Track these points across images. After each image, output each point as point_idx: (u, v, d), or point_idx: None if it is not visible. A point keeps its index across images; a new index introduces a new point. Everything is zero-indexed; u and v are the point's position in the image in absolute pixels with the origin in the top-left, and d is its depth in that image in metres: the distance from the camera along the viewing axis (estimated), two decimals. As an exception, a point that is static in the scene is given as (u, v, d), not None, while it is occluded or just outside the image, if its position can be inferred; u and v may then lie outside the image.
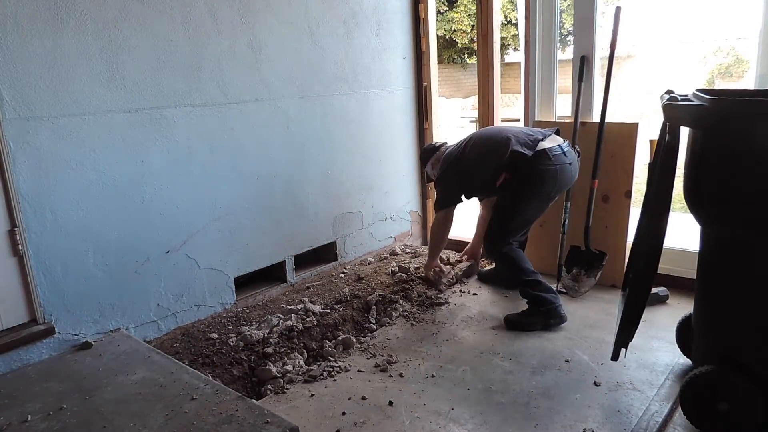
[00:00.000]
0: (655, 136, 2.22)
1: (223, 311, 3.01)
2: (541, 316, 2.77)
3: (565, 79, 3.40)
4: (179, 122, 2.73)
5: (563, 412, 2.10)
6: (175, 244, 2.79)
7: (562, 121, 3.46)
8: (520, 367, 2.44)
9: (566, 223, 3.21)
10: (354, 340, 2.71)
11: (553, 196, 2.85)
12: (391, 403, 2.20)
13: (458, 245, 3.92)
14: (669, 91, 2.06)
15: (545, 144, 2.76)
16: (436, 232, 3.23)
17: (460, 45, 15.21)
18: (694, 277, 2.08)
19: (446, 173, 3.06)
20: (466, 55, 15.99)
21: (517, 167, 2.75)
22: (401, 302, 3.08)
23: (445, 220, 3.17)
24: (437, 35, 4.42)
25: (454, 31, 14.67)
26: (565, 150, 2.78)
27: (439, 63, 4.18)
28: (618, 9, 2.96)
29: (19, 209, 2.28)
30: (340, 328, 2.80)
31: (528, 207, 2.83)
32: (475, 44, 3.82)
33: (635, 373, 2.34)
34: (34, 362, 2.36)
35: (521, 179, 2.76)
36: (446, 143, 3.29)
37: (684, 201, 1.99)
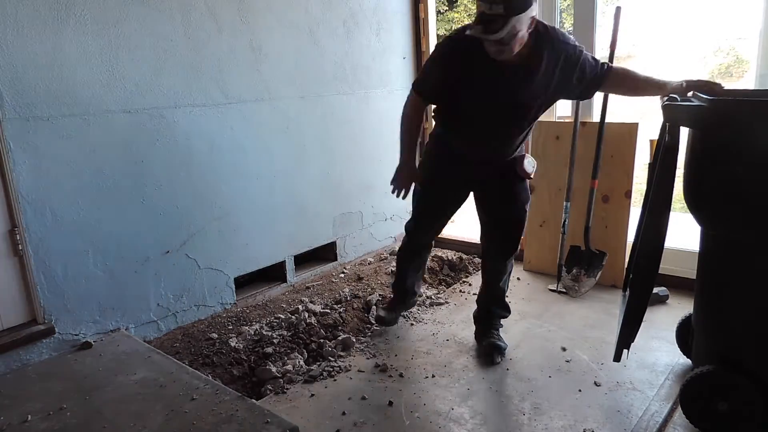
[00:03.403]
0: (655, 136, 2.22)
1: (223, 311, 3.01)
2: None
3: (564, 79, 3.39)
4: (179, 122, 2.73)
5: (563, 412, 2.10)
6: (175, 244, 2.79)
7: (562, 121, 3.46)
8: (520, 366, 2.43)
9: (566, 223, 3.21)
10: (354, 340, 2.71)
11: None
12: (391, 403, 2.20)
13: (464, 246, 3.88)
14: (669, 91, 2.06)
15: None
16: None
17: (460, 45, 15.19)
18: (694, 277, 2.08)
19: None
20: (466, 55, 15.97)
21: None
22: (401, 302, 3.08)
23: None
24: (437, 35, 4.41)
25: (454, 31, 14.65)
26: None
27: (439, 63, 4.17)
28: (618, 9, 2.95)
29: (19, 209, 2.28)
30: (340, 328, 2.80)
31: None
32: (475, 44, 3.81)
33: (635, 373, 2.34)
34: (34, 362, 2.36)
35: None
36: None
37: (684, 201, 1.99)
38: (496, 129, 2.25)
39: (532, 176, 2.36)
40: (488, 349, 2.49)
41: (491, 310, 2.62)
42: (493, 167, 2.36)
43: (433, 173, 2.42)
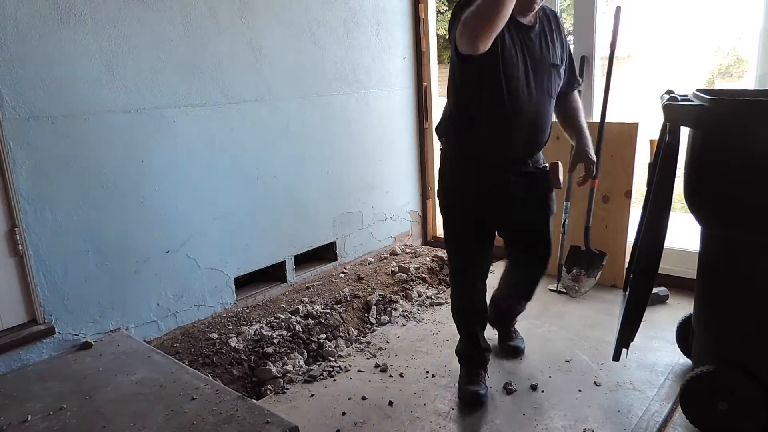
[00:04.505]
0: (655, 136, 2.22)
1: (223, 311, 3.01)
2: None
3: (564, 79, 3.39)
4: (179, 122, 2.73)
5: (563, 412, 2.10)
6: (175, 244, 2.78)
7: (562, 121, 3.45)
8: (520, 366, 2.44)
9: (566, 223, 3.21)
10: (354, 339, 2.71)
11: None
12: (391, 403, 2.20)
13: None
14: (669, 91, 2.06)
15: None
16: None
17: (460, 45, 15.19)
18: (694, 277, 2.08)
19: None
20: (466, 55, 15.97)
21: None
22: (401, 302, 3.08)
23: None
24: (437, 35, 4.41)
25: (454, 31, 14.66)
26: None
27: (439, 63, 4.17)
28: (618, 9, 2.95)
29: (19, 209, 2.28)
30: (340, 328, 2.80)
31: None
32: (475, 44, 3.81)
33: (635, 373, 2.34)
34: (34, 362, 2.36)
35: None
36: None
37: (684, 201, 1.99)
38: (531, 98, 2.00)
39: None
40: (512, 352, 2.54)
41: (513, 312, 2.56)
42: (523, 177, 2.17)
43: (460, 208, 2.18)
